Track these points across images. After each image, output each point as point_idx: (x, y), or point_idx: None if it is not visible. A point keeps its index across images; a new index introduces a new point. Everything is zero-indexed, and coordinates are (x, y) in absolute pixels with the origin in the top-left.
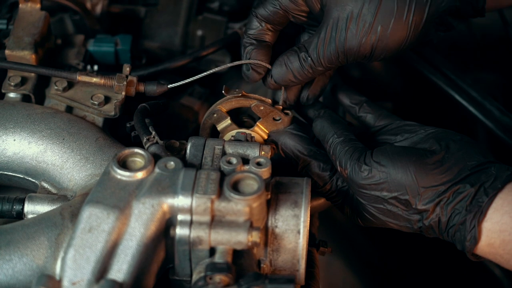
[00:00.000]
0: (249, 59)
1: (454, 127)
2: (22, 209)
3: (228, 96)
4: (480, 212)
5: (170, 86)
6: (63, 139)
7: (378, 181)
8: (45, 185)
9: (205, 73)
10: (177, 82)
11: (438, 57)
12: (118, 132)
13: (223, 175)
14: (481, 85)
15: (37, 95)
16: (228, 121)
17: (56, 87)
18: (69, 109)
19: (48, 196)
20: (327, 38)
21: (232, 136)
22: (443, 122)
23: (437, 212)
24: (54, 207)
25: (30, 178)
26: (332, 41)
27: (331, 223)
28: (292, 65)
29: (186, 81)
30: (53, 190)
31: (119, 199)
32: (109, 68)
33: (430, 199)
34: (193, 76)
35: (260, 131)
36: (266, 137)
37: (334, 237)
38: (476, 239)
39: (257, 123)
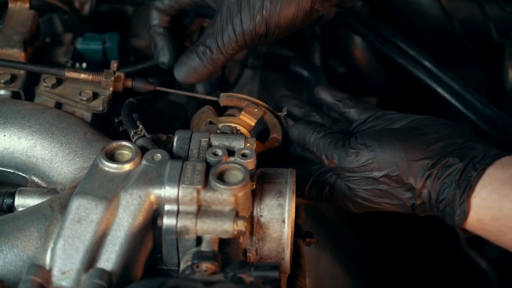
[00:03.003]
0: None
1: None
2: (13, 202)
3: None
4: (469, 187)
5: (158, 88)
6: (52, 134)
7: (366, 161)
8: (35, 179)
9: (195, 95)
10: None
11: (421, 52)
12: (106, 130)
13: (209, 166)
14: (464, 80)
15: (26, 92)
16: (205, 108)
17: (45, 84)
18: (58, 105)
19: (38, 190)
20: (223, 25)
21: (203, 120)
22: (427, 114)
23: (427, 187)
24: (44, 200)
25: (20, 173)
26: (228, 27)
27: (318, 218)
28: (192, 62)
29: (174, 91)
30: (43, 184)
31: (107, 190)
32: (97, 66)
33: (420, 173)
34: None
35: (246, 119)
36: (253, 124)
37: (321, 231)
38: (465, 214)
39: (242, 112)
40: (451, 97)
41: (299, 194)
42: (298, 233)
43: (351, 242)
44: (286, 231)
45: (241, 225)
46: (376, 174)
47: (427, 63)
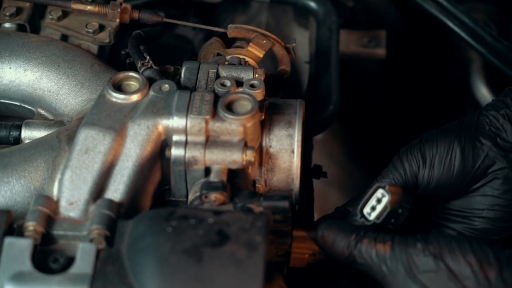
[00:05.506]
0: None
1: (448, 55)
2: (19, 134)
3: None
4: None
5: (165, 20)
6: (59, 65)
7: None
8: (42, 111)
9: (203, 26)
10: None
11: None
12: (113, 63)
13: (217, 97)
14: (474, 15)
15: (32, 25)
16: (213, 40)
17: (51, 17)
18: (64, 38)
19: (45, 122)
20: None
21: (211, 52)
22: (436, 49)
23: None
24: (51, 132)
25: (26, 106)
26: None
27: (326, 153)
28: None
29: (182, 23)
30: (50, 116)
31: (114, 121)
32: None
33: None
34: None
35: (255, 51)
36: (261, 56)
37: (330, 166)
38: None
39: (251, 43)
40: (461, 30)
41: None
42: (308, 166)
43: (359, 178)
44: (295, 161)
45: (250, 155)
46: None
47: None
